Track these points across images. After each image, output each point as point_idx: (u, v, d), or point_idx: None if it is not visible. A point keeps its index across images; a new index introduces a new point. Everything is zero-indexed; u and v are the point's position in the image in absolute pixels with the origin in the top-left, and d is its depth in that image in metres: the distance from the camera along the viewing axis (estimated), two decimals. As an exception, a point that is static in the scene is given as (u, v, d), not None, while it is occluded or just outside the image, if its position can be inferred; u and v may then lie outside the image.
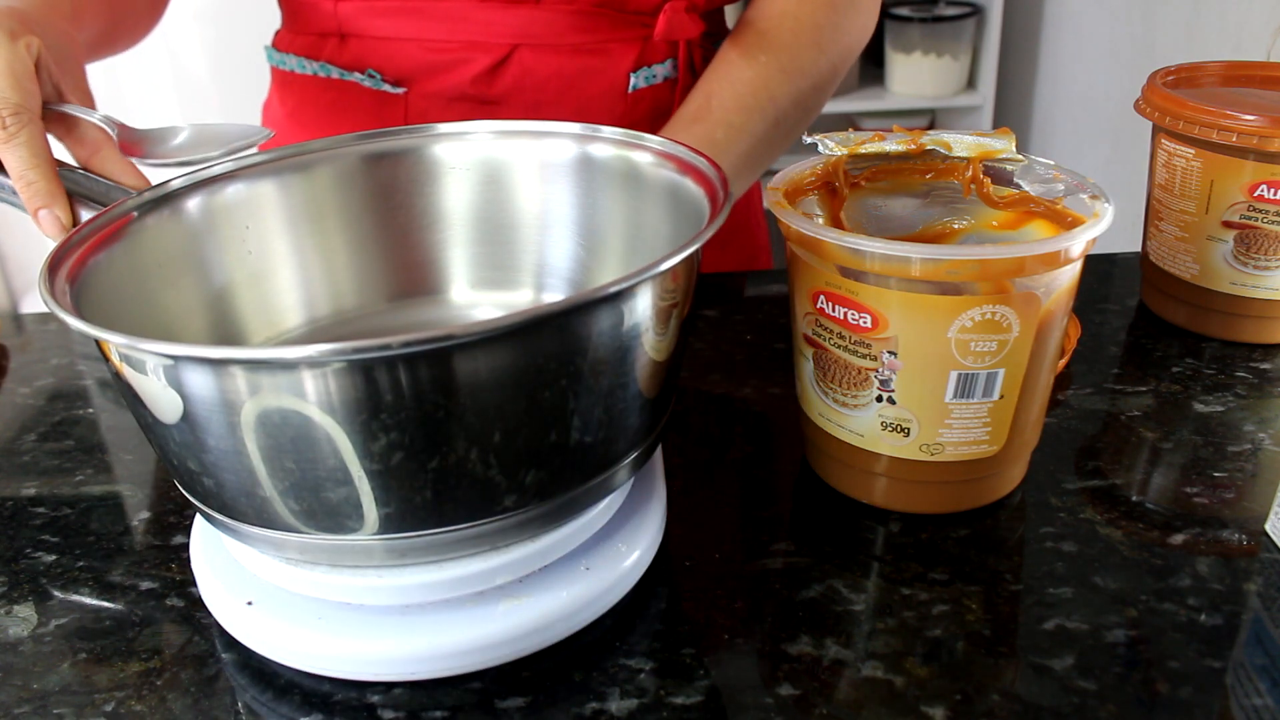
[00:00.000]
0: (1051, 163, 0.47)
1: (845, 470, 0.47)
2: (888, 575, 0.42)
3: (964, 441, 0.43)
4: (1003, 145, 0.47)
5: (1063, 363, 0.54)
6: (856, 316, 0.41)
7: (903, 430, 0.43)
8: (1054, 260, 0.39)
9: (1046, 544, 0.44)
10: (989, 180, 0.48)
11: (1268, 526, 0.44)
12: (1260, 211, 0.56)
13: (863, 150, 0.48)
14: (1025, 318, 0.40)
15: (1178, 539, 0.44)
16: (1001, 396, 0.42)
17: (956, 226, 0.49)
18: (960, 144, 0.48)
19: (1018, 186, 0.47)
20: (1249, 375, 0.57)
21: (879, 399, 0.43)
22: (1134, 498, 0.47)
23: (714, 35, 0.74)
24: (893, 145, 0.48)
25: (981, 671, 0.38)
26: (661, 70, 0.71)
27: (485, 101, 0.68)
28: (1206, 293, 0.59)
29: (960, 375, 0.41)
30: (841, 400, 0.44)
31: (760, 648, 0.39)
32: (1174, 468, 0.49)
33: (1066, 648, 0.39)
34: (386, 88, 0.68)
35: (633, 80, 0.69)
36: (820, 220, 0.48)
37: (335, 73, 0.70)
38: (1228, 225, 0.57)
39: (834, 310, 0.42)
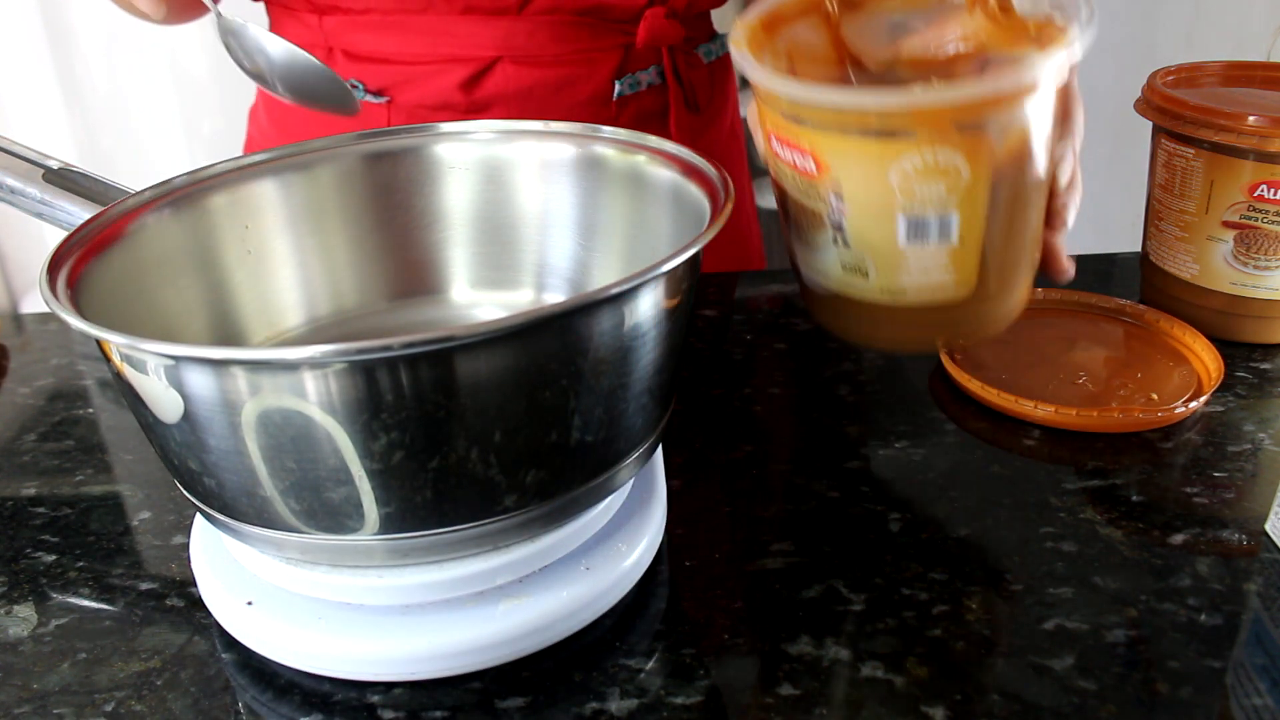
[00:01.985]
0: None
1: (823, 307, 0.45)
2: (888, 575, 0.43)
3: (926, 285, 0.41)
4: None
5: (1202, 402, 0.52)
6: (802, 159, 0.40)
7: (861, 273, 0.41)
8: (998, 101, 0.37)
9: (1046, 544, 0.44)
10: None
11: (1268, 526, 0.44)
12: (1260, 211, 0.56)
13: None
14: (975, 161, 0.38)
15: (1178, 539, 0.44)
16: (961, 241, 0.40)
17: (960, 49, 0.45)
18: None
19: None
20: (1249, 375, 0.57)
21: (835, 241, 0.41)
22: (1134, 498, 0.47)
23: (695, 40, 0.74)
24: None
25: (981, 671, 0.38)
26: (646, 77, 0.71)
27: (469, 110, 0.68)
28: (1206, 293, 0.59)
29: (909, 220, 0.39)
30: (806, 241, 0.43)
31: (760, 648, 0.39)
32: (1174, 468, 0.49)
33: (1066, 648, 0.39)
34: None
35: (617, 87, 0.69)
36: (819, 43, 0.46)
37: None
38: (1228, 225, 0.57)
39: (785, 153, 0.41)
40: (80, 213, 0.44)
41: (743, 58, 0.40)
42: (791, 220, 0.43)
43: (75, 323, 0.33)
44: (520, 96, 0.68)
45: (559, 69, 0.67)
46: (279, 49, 0.52)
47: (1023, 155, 0.39)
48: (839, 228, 0.41)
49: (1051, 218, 0.45)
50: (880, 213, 0.39)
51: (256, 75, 0.53)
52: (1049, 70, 0.38)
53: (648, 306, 0.35)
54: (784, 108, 0.39)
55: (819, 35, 0.46)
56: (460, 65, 0.67)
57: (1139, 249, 0.65)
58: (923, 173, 0.38)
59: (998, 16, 0.44)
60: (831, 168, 0.39)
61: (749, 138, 0.93)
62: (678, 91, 0.72)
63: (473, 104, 0.68)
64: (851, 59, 0.46)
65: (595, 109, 0.70)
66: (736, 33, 0.42)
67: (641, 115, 0.72)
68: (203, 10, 0.70)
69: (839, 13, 0.46)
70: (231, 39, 0.53)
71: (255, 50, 0.53)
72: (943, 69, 0.45)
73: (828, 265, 0.43)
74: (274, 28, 0.73)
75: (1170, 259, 0.60)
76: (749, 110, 0.44)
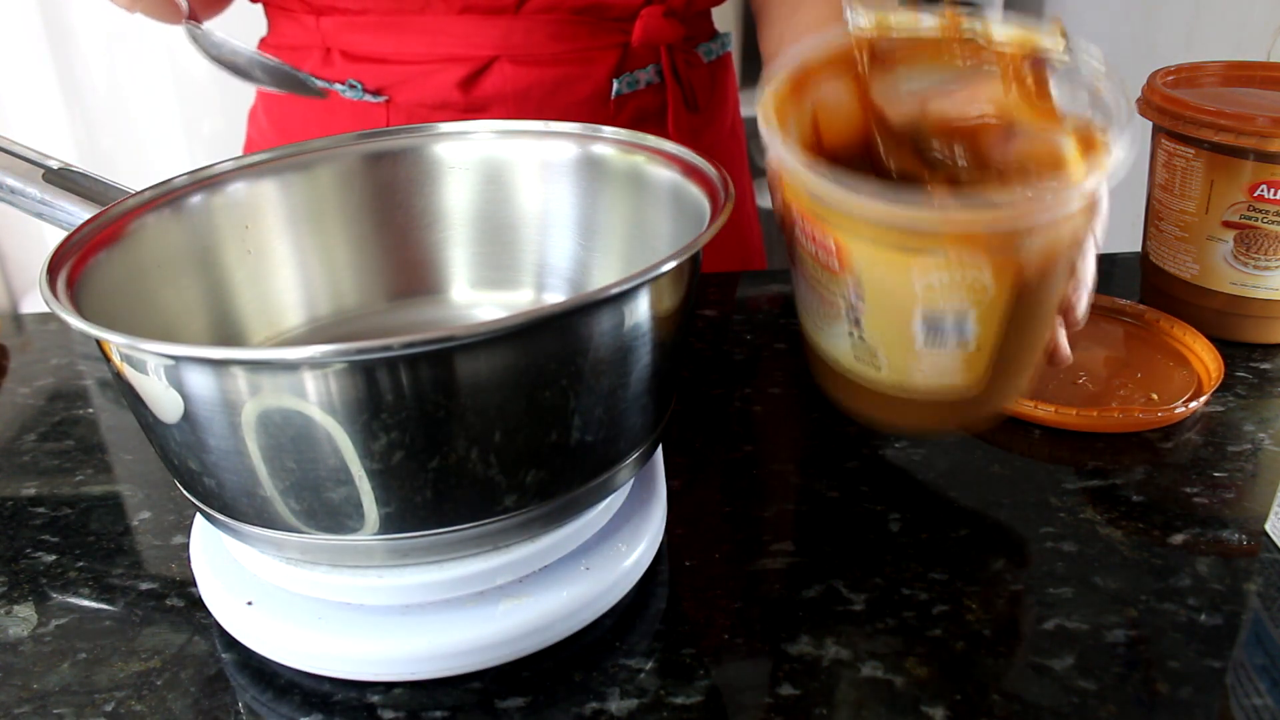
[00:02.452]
0: (1102, 67, 0.40)
1: (832, 382, 0.45)
2: (888, 575, 0.42)
3: (937, 384, 0.41)
4: (1050, 42, 0.41)
5: (1202, 402, 0.53)
6: (825, 253, 0.39)
7: (873, 365, 0.41)
8: (1033, 229, 0.36)
9: (1046, 544, 0.44)
10: (1032, 78, 0.42)
11: (1268, 526, 0.44)
12: (1260, 211, 0.56)
13: (892, 25, 0.43)
14: (1002, 276, 0.37)
15: (1178, 539, 0.44)
16: (977, 346, 0.39)
17: (988, 117, 0.44)
18: (1003, 32, 0.42)
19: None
20: (1249, 375, 0.57)
21: (850, 333, 0.41)
22: (1134, 498, 0.47)
23: (695, 39, 0.74)
24: (927, 23, 0.44)
25: (981, 671, 0.38)
26: (644, 76, 0.71)
27: (467, 109, 0.68)
28: (1206, 293, 0.59)
29: (928, 326, 0.39)
30: (819, 324, 0.42)
31: (760, 648, 0.39)
32: (1174, 468, 0.49)
33: (1066, 648, 0.39)
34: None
35: (615, 86, 0.69)
36: (844, 100, 0.44)
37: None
38: (1228, 225, 0.57)
39: (808, 241, 0.40)
40: (80, 213, 0.44)
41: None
42: (806, 300, 0.43)
43: (75, 323, 0.33)
44: (518, 95, 0.68)
45: (557, 68, 0.67)
46: (243, 49, 0.58)
47: (1049, 270, 0.39)
48: (855, 322, 0.40)
49: (1065, 313, 0.44)
50: (899, 316, 0.39)
51: (226, 66, 0.58)
52: (1089, 194, 0.37)
53: (648, 306, 0.35)
54: (811, 197, 0.39)
55: (846, 92, 0.45)
56: (458, 64, 0.67)
57: (1139, 249, 0.65)
58: (948, 286, 0.38)
59: (1033, 99, 0.43)
60: (855, 266, 0.38)
61: (749, 138, 0.93)
62: (676, 91, 0.72)
63: (471, 103, 0.68)
64: (877, 116, 0.46)
65: (593, 108, 0.70)
66: (765, 100, 0.41)
67: (640, 114, 0.72)
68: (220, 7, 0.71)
69: (869, 71, 0.45)
70: (197, 40, 0.58)
71: (221, 45, 0.59)
72: (968, 136, 0.45)
73: (839, 351, 0.42)
74: (271, 29, 0.74)
75: (1170, 259, 0.60)
76: (767, 163, 0.43)
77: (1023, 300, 0.39)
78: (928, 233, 0.36)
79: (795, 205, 0.40)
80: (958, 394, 0.41)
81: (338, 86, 0.69)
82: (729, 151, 0.82)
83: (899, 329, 0.39)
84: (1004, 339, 0.40)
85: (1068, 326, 0.45)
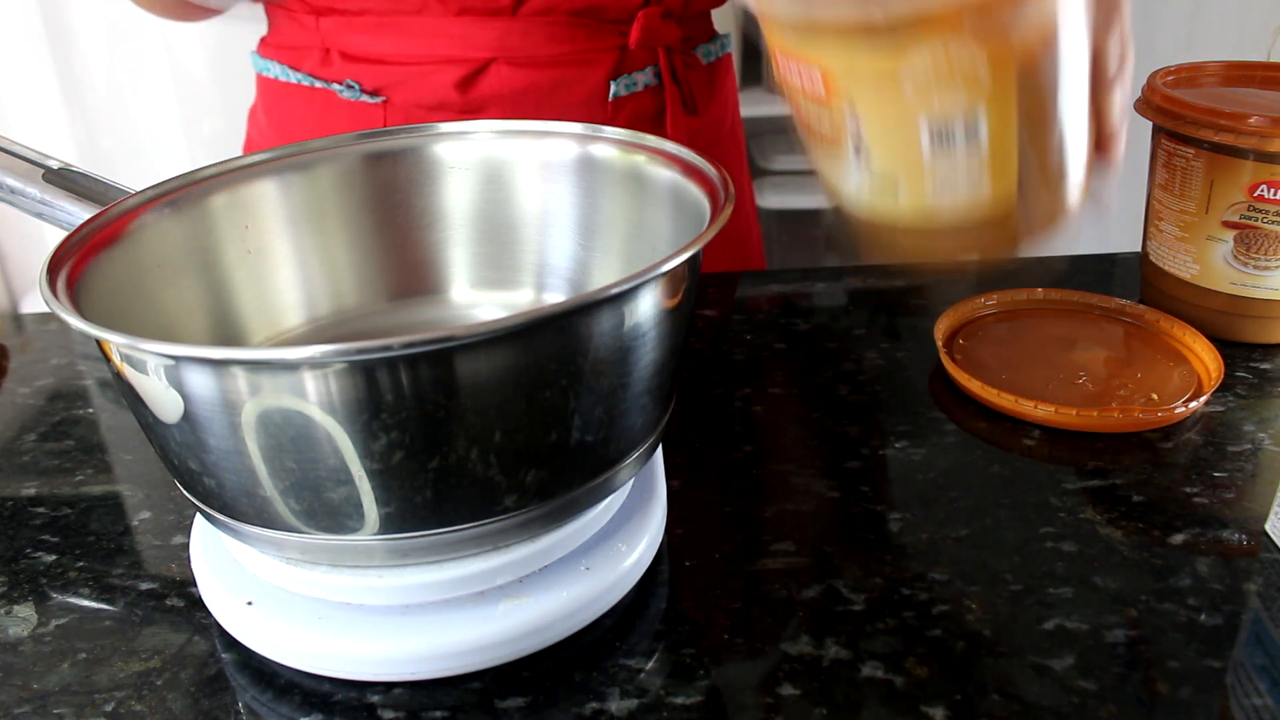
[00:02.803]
0: None
1: (860, 233, 0.41)
2: (888, 575, 0.42)
3: (960, 201, 0.38)
4: None
5: (1202, 402, 0.52)
6: (810, 80, 0.37)
7: (889, 194, 0.38)
8: None
9: (1046, 544, 0.44)
10: None
11: (1268, 526, 0.44)
12: (1260, 211, 0.56)
13: None
14: (996, 58, 0.35)
15: (1178, 539, 0.44)
16: (993, 146, 0.36)
17: None
18: None
19: None
20: (1249, 375, 0.57)
21: (858, 164, 0.38)
22: (1134, 498, 0.47)
23: (694, 40, 0.74)
24: None
25: (981, 671, 0.38)
26: (643, 78, 0.71)
27: (464, 110, 0.68)
28: (1206, 293, 0.59)
29: (932, 132, 0.36)
30: (832, 169, 0.40)
31: (760, 648, 0.39)
32: (1174, 468, 0.49)
33: (1066, 648, 0.39)
34: (365, 98, 0.69)
35: (613, 88, 0.69)
36: None
37: (317, 83, 0.70)
38: (1228, 225, 0.57)
39: (793, 75, 0.38)
40: (80, 213, 0.44)
41: None
42: (819, 148, 0.40)
43: (75, 323, 0.33)
44: (515, 97, 0.68)
45: (554, 70, 0.67)
46: None
47: (1050, 47, 0.36)
48: (859, 149, 0.38)
49: (1099, 93, 0.39)
50: (901, 130, 0.36)
51: None
52: None
53: (648, 306, 0.35)
54: (788, 30, 0.37)
55: None
56: (455, 66, 0.67)
57: (1139, 249, 0.65)
58: (941, 84, 0.35)
59: None
60: (845, 89, 0.36)
61: (749, 138, 0.93)
62: (675, 92, 0.72)
63: (468, 104, 0.68)
64: None
65: (591, 110, 0.70)
66: None
67: (638, 116, 0.72)
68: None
69: None
70: None
71: None
72: None
73: (857, 189, 0.39)
74: (271, 29, 0.74)
75: (1170, 259, 0.60)
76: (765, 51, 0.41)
77: (1029, 86, 0.36)
78: (904, 27, 0.34)
79: (779, 49, 0.38)
80: (989, 210, 0.38)
81: (335, 86, 0.69)
82: (728, 152, 0.82)
83: (905, 144, 0.37)
84: (1021, 135, 0.37)
85: (1106, 111, 0.40)
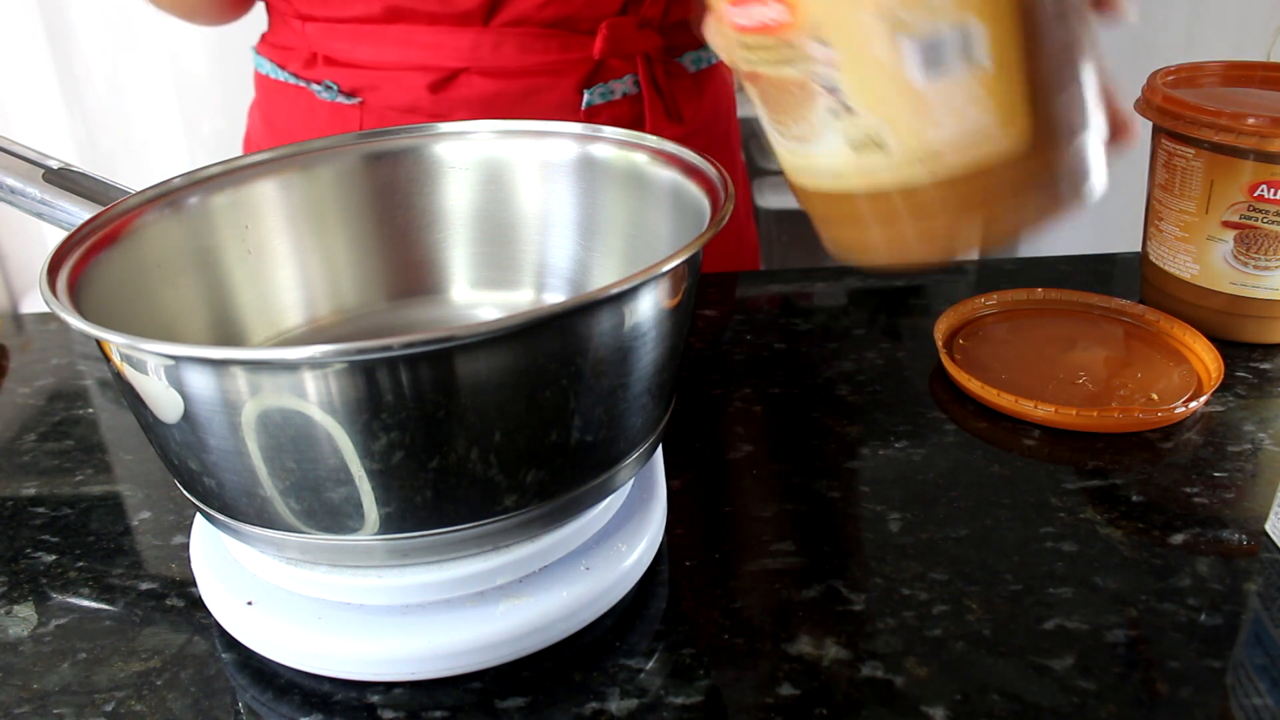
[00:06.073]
0: None
1: (840, 217, 0.36)
2: (888, 575, 0.43)
3: (963, 136, 0.31)
4: None
5: (1202, 402, 0.52)
6: (767, 9, 0.32)
7: (877, 144, 0.32)
8: None
9: (1046, 544, 0.44)
10: None
11: (1268, 526, 0.44)
12: (1260, 211, 0.56)
13: None
14: None
15: (1178, 539, 0.44)
16: (995, 62, 0.31)
17: None
18: None
19: None
20: (1249, 375, 0.57)
21: (835, 111, 0.32)
22: (1134, 498, 0.47)
23: (679, 49, 0.74)
24: None
25: (981, 671, 0.38)
26: (621, 87, 0.70)
27: (436, 115, 0.69)
28: (1206, 293, 0.59)
29: (918, 43, 0.30)
30: (799, 133, 0.34)
31: (760, 648, 0.39)
32: (1174, 468, 0.49)
33: (1066, 648, 0.39)
34: (341, 99, 0.69)
35: (586, 96, 0.69)
36: None
37: (301, 82, 0.72)
38: (1228, 225, 0.57)
39: (746, 17, 0.33)
40: (80, 213, 0.44)
41: None
42: (777, 117, 0.35)
43: (75, 323, 0.33)
44: (485, 102, 0.68)
45: (525, 79, 0.68)
46: None
47: None
48: (834, 88, 0.32)
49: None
50: (880, 45, 0.31)
51: None
52: None
53: (648, 306, 0.35)
54: None
55: None
56: (428, 73, 0.67)
57: (1139, 249, 0.65)
58: None
59: None
60: (812, 16, 0.31)
61: (747, 139, 0.93)
62: (655, 101, 0.71)
63: (440, 110, 0.69)
64: None
65: (563, 118, 0.70)
66: None
67: (615, 124, 0.72)
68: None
69: None
70: None
71: None
72: None
73: (834, 153, 0.33)
74: (270, 29, 0.75)
75: (1170, 259, 0.61)
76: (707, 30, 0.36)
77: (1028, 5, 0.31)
78: None
79: None
80: (996, 145, 0.32)
81: (315, 87, 0.70)
82: (720, 157, 0.82)
83: (890, 74, 0.31)
84: (1028, 50, 0.31)
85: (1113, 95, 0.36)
